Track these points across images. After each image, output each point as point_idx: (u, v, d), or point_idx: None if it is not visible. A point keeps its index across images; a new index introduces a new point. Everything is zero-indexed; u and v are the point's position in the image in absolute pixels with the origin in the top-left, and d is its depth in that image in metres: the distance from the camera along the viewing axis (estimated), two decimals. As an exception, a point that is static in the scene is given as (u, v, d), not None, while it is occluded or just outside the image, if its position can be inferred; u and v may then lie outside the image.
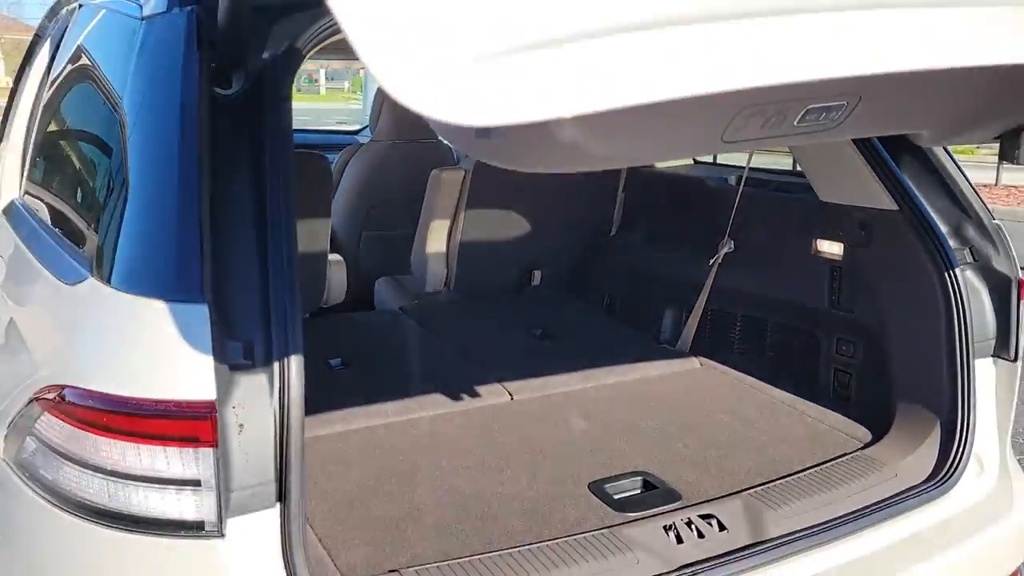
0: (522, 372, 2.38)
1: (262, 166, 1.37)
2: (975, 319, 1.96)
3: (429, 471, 1.88)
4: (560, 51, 0.76)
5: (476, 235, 2.96)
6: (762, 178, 2.70)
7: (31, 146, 2.26)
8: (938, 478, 1.89)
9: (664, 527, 1.66)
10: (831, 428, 2.15)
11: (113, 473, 1.21)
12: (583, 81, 0.76)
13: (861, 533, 1.72)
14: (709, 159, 3.28)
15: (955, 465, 1.91)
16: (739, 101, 1.14)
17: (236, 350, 1.23)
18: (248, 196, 1.35)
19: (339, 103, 27.43)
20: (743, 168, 2.67)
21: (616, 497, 1.80)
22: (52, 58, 2.94)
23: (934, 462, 1.94)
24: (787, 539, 1.66)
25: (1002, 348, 1.99)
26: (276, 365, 1.26)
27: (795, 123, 1.23)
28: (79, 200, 1.72)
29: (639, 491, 1.86)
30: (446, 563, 1.52)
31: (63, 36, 2.83)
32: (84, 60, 1.98)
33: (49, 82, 2.24)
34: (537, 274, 3.18)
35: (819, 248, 2.35)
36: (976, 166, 10.62)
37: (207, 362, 1.18)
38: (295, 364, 1.26)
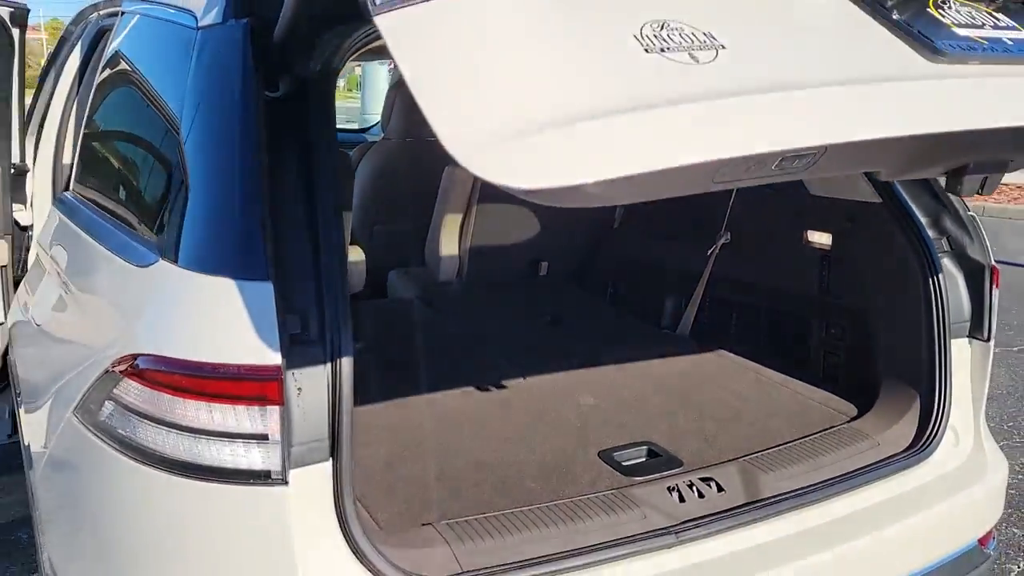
0: (533, 355, 2.56)
1: (310, 161, 1.54)
2: (952, 303, 2.14)
3: (452, 442, 2.05)
4: (579, 131, 0.95)
5: (487, 228, 3.14)
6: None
7: (78, 144, 2.42)
8: (917, 447, 2.07)
9: (668, 488, 1.84)
10: (820, 404, 2.33)
11: (189, 429, 1.38)
12: (599, 154, 0.94)
13: (846, 495, 1.91)
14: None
15: (933, 435, 2.09)
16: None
17: (294, 323, 1.41)
18: (299, 188, 1.52)
19: (337, 101, 27.59)
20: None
21: (624, 464, 1.98)
22: (86, 61, 3.11)
23: (914, 433, 2.12)
24: (778, 499, 1.84)
25: (976, 329, 2.17)
26: (328, 337, 1.43)
27: (772, 167, 1.41)
28: (141, 193, 1.89)
29: (644, 459, 2.04)
30: (473, 518, 1.69)
31: (97, 41, 3.00)
32: (133, 64, 2.15)
33: (93, 84, 2.40)
34: (544, 265, 3.37)
35: (810, 238, 2.53)
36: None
37: (273, 332, 1.36)
38: (344, 337, 1.44)
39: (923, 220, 2.19)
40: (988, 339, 2.18)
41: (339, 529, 1.45)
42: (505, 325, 2.85)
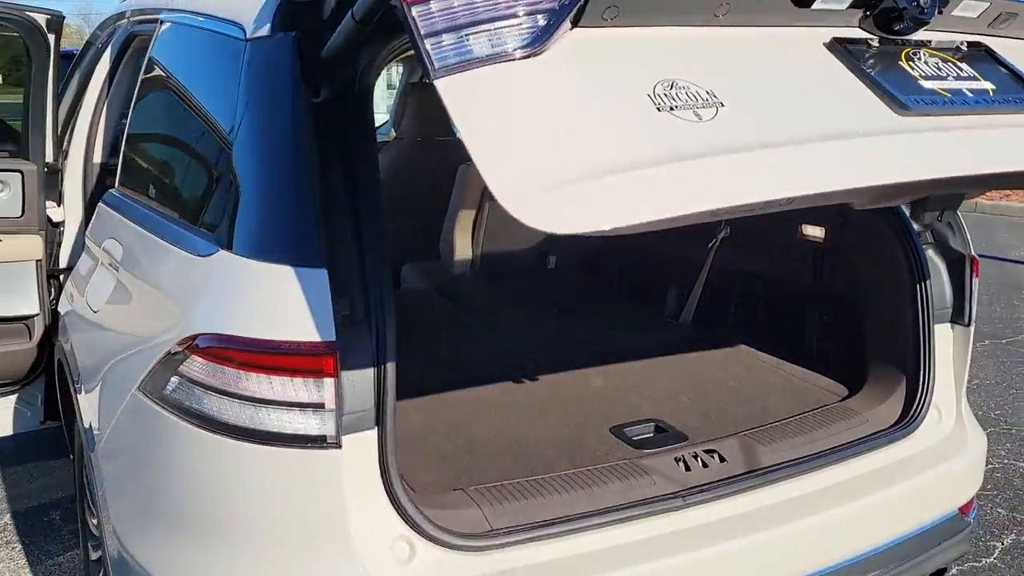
0: (546, 340, 2.74)
1: (353, 160, 1.71)
2: (935, 290, 2.32)
3: (474, 419, 2.23)
4: (603, 184, 1.14)
5: (498, 224, 3.31)
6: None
7: (121, 145, 2.58)
8: (903, 423, 2.25)
9: (674, 459, 2.01)
10: (813, 385, 2.51)
11: (253, 400, 1.56)
12: (618, 205, 1.14)
13: (837, 465, 2.08)
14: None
15: (917, 412, 2.27)
16: None
17: (344, 306, 1.58)
18: (343, 184, 1.69)
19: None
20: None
21: (634, 438, 2.16)
22: (115, 65, 3.27)
23: (900, 410, 2.30)
24: (775, 468, 2.01)
25: (958, 315, 2.35)
26: (373, 319, 1.61)
27: (760, 205, 1.59)
28: (195, 191, 2.06)
29: (652, 434, 2.22)
30: (499, 484, 1.87)
31: (126, 46, 3.16)
32: (178, 71, 2.32)
33: (135, 89, 2.55)
34: (552, 258, 3.54)
35: (804, 232, 2.71)
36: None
37: (328, 313, 1.53)
38: (388, 319, 1.61)
39: (908, 213, 2.37)
40: (969, 324, 2.35)
41: (383, 490, 1.62)
42: (517, 314, 3.03)
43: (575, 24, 1.30)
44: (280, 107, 1.73)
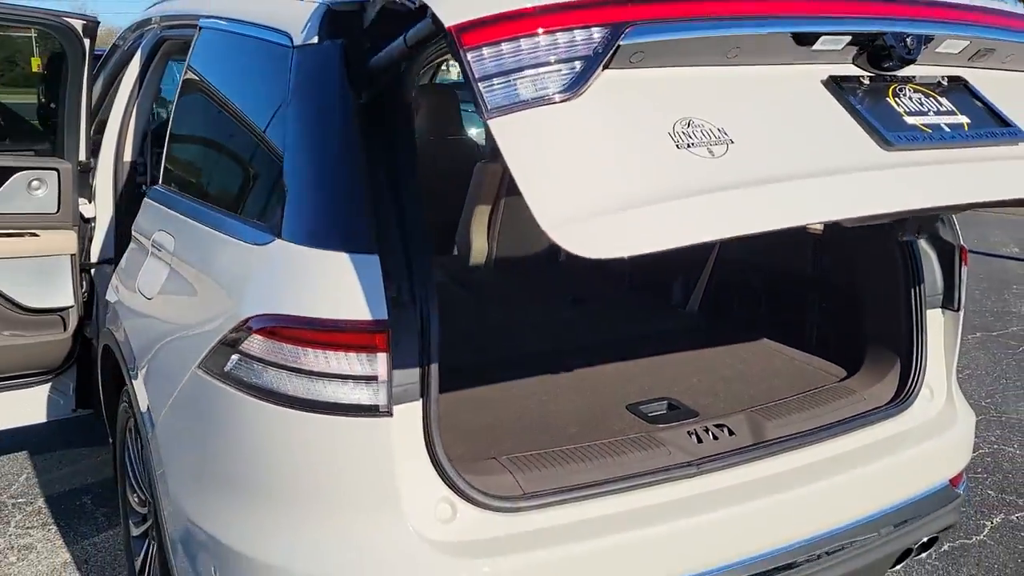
0: (561, 327, 2.91)
1: (395, 157, 1.88)
2: (927, 278, 2.49)
3: (500, 397, 2.39)
4: (629, 216, 1.34)
5: (513, 219, 3.47)
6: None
7: (164, 144, 2.74)
8: (897, 401, 2.42)
9: (687, 432, 2.18)
10: (814, 368, 2.68)
11: (311, 373, 1.72)
12: (643, 235, 1.35)
13: (836, 438, 2.25)
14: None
15: (911, 391, 2.44)
16: None
17: (393, 288, 1.74)
18: (387, 179, 1.86)
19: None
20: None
21: (649, 414, 2.33)
22: (145, 68, 3.43)
23: (895, 389, 2.47)
24: (780, 441, 2.18)
25: (948, 301, 2.53)
26: (418, 300, 1.77)
27: None
28: (248, 186, 2.22)
29: (665, 411, 2.39)
30: (528, 453, 2.04)
31: (155, 50, 3.32)
32: (222, 75, 2.48)
33: (176, 91, 2.71)
34: (563, 252, 3.70)
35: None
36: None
37: (380, 295, 1.70)
38: (431, 300, 1.78)
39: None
40: (958, 309, 2.53)
41: (428, 456, 1.79)
42: (533, 303, 3.19)
43: (605, 67, 1.49)
44: (330, 109, 1.89)
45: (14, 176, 3.28)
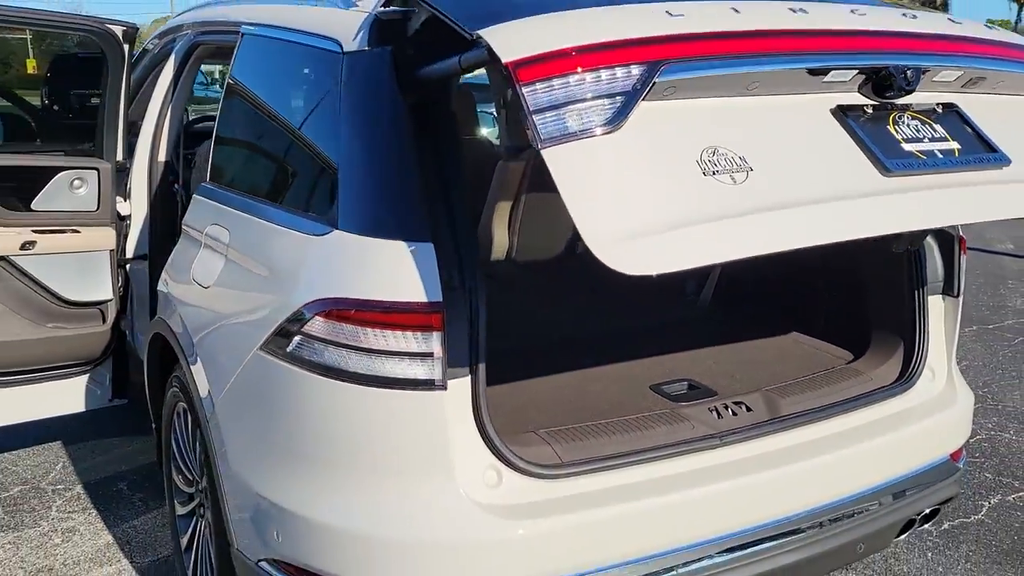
0: (582, 315, 3.07)
1: (442, 154, 2.05)
2: (928, 266, 2.66)
3: (532, 379, 2.56)
4: (665, 238, 1.55)
5: (533, 214, 3.63)
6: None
7: (211, 144, 2.90)
8: (901, 380, 2.60)
9: (708, 409, 2.36)
10: (823, 352, 2.86)
11: (372, 351, 1.89)
12: (677, 255, 1.55)
13: (845, 415, 2.43)
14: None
15: (914, 372, 2.61)
16: None
17: (445, 274, 1.91)
18: (436, 174, 2.02)
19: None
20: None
21: (671, 394, 2.50)
22: (179, 72, 3.59)
23: (899, 370, 2.64)
24: (794, 416, 2.36)
25: (948, 288, 2.70)
26: (467, 286, 1.94)
27: None
28: (303, 182, 2.38)
29: (686, 390, 2.56)
30: (564, 427, 2.21)
31: (189, 54, 3.47)
32: (270, 78, 2.65)
33: (222, 94, 2.87)
34: (580, 244, 3.86)
35: None
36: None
37: (436, 279, 1.87)
38: (479, 285, 1.95)
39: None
40: (957, 295, 2.70)
41: (476, 427, 1.96)
42: (555, 293, 3.35)
43: (642, 99, 1.68)
44: (382, 110, 2.06)
45: (58, 175, 3.45)
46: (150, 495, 3.82)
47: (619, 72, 1.64)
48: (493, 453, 1.97)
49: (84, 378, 3.72)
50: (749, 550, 2.17)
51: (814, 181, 1.77)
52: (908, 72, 1.92)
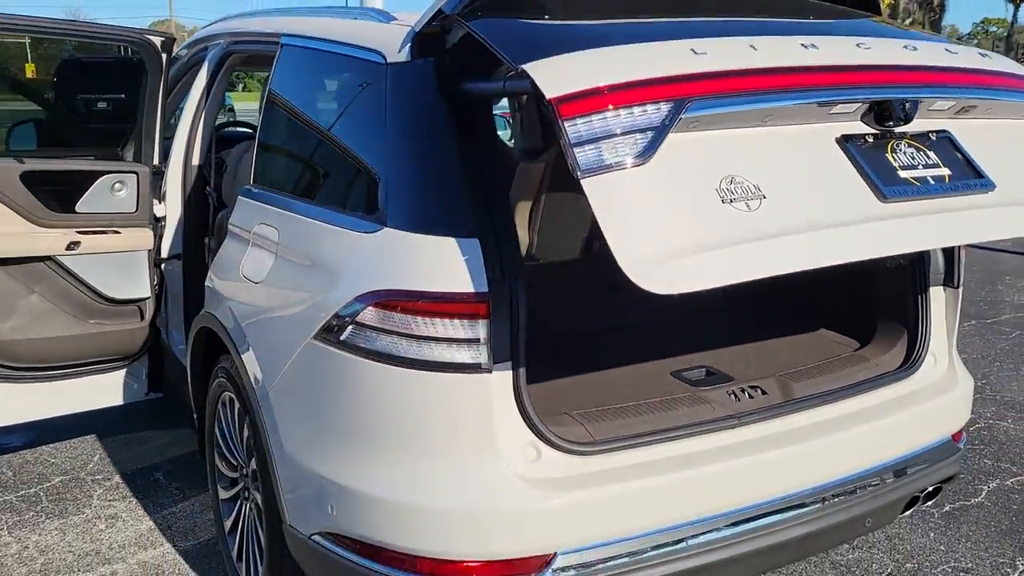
0: (602, 309, 3.25)
1: (482, 157, 2.22)
2: (930, 259, 2.84)
3: (561, 366, 2.72)
4: (691, 261, 1.75)
5: (552, 214, 3.81)
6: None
7: (254, 148, 3.07)
8: (905, 366, 2.77)
9: (726, 392, 2.53)
10: (832, 341, 3.03)
11: (422, 337, 2.06)
12: (700, 277, 1.75)
13: (853, 397, 2.60)
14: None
15: (917, 358, 2.79)
16: None
17: (489, 268, 2.09)
18: (477, 176, 2.20)
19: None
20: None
21: (691, 379, 2.68)
22: (212, 80, 3.76)
23: (903, 356, 2.82)
24: (805, 399, 2.53)
25: (949, 279, 2.87)
26: (508, 278, 2.11)
27: None
28: (351, 184, 2.54)
29: (705, 376, 2.73)
30: (594, 409, 2.38)
31: (222, 63, 3.65)
32: (312, 87, 2.82)
33: (263, 101, 3.04)
34: (596, 243, 4.04)
35: None
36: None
37: (481, 271, 2.04)
38: (518, 278, 2.12)
39: None
40: (957, 286, 2.88)
41: (517, 407, 2.13)
42: (575, 288, 3.53)
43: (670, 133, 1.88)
44: (426, 117, 2.24)
45: (100, 179, 3.63)
46: (186, 484, 4.00)
47: (650, 108, 1.83)
48: (532, 431, 2.14)
49: (122, 373, 3.89)
50: (766, 520, 2.34)
51: (818, 208, 1.98)
52: (907, 104, 2.12)
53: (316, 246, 2.44)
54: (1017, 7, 49.26)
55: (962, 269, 2.89)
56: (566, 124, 1.77)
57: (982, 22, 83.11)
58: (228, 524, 3.12)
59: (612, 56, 1.94)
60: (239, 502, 3.05)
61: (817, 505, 2.43)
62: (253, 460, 2.73)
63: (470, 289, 2.04)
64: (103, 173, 3.64)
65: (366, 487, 2.16)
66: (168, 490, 3.96)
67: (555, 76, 1.82)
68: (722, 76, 1.94)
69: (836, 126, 2.12)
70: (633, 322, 3.21)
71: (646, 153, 1.81)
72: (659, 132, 1.83)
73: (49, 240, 3.51)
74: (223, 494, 3.18)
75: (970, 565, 3.35)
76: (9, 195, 3.39)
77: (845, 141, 2.10)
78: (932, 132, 2.23)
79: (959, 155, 2.22)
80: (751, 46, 2.05)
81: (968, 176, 2.19)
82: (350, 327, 2.17)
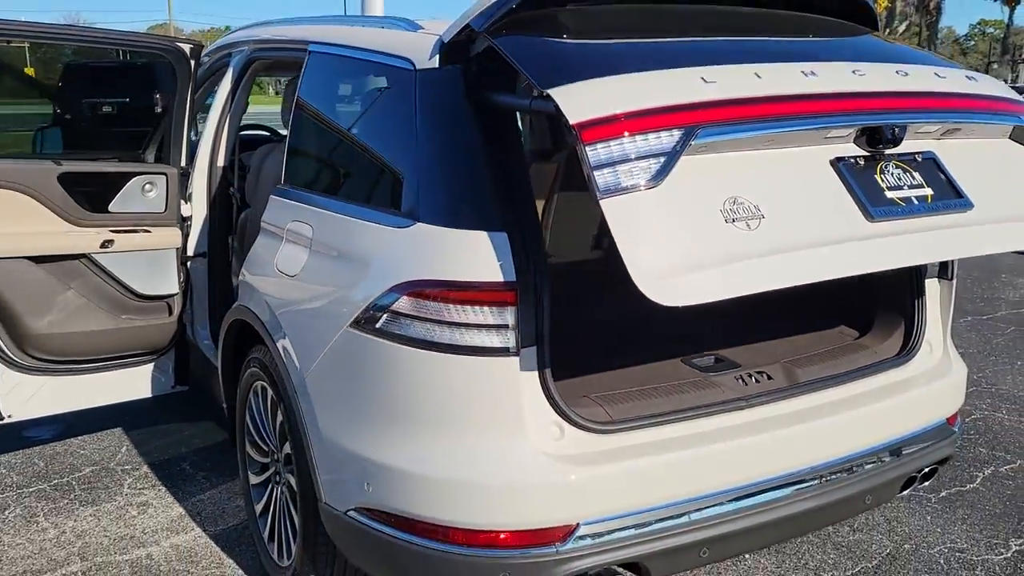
0: (612, 300, 3.40)
1: (508, 157, 2.38)
2: None
3: (578, 355, 2.88)
4: (694, 277, 1.95)
5: (564, 213, 3.97)
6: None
7: (284, 150, 3.24)
8: (902, 353, 2.94)
9: (734, 377, 2.70)
10: (833, 331, 3.20)
11: (454, 324, 2.23)
12: (704, 290, 1.95)
13: (854, 382, 2.77)
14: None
15: (913, 346, 2.95)
16: None
17: (516, 259, 2.25)
18: (503, 173, 2.36)
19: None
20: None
21: (700, 365, 2.84)
22: (236, 85, 3.92)
23: (900, 345, 2.98)
24: (809, 383, 2.69)
25: (943, 272, 3.04)
26: (533, 268, 2.28)
27: None
28: (383, 182, 2.70)
29: (713, 362, 2.90)
30: (611, 393, 2.55)
31: (246, 69, 3.80)
32: (341, 91, 2.99)
33: (292, 104, 3.20)
34: (606, 240, 4.20)
35: None
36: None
37: (510, 262, 2.21)
38: (543, 269, 2.28)
39: None
40: (951, 279, 3.04)
41: (541, 388, 2.30)
42: (587, 284, 3.69)
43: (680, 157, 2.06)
44: (455, 120, 2.41)
45: (132, 180, 3.79)
46: (212, 473, 4.17)
47: (663, 135, 2.02)
48: (556, 411, 2.31)
49: (150, 366, 4.06)
50: (773, 495, 2.51)
51: (811, 228, 2.16)
52: (896, 129, 2.30)
53: (350, 241, 2.61)
54: (1012, 9, 49.52)
55: (955, 263, 3.05)
56: (587, 149, 1.95)
57: (979, 23, 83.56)
58: (259, 508, 3.28)
59: (629, 84, 2.12)
60: (270, 486, 3.21)
61: (820, 482, 2.59)
62: (287, 444, 2.89)
63: (500, 278, 2.21)
64: (135, 175, 3.80)
65: (402, 464, 2.33)
66: (195, 479, 4.12)
67: (578, 102, 2.00)
68: (729, 104, 2.13)
69: (830, 148, 2.31)
70: (644, 315, 3.36)
71: (659, 176, 2.00)
72: (671, 157, 2.01)
73: (85, 239, 3.68)
74: (254, 479, 3.33)
75: (965, 545, 3.51)
76: (48, 196, 3.56)
77: (838, 162, 2.29)
78: (918, 154, 2.42)
79: (942, 175, 2.41)
80: (756, 74, 2.23)
81: (949, 196, 2.38)
82: (385, 315, 2.33)
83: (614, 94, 2.06)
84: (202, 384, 4.21)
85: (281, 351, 2.78)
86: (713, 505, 2.42)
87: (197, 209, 4.09)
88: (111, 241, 3.74)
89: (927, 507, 3.83)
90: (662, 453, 2.38)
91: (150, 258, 3.93)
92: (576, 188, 4.02)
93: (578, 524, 2.27)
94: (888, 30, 41.45)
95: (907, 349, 2.95)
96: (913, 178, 2.35)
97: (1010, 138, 2.62)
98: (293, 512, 2.93)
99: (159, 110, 4.39)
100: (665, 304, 1.89)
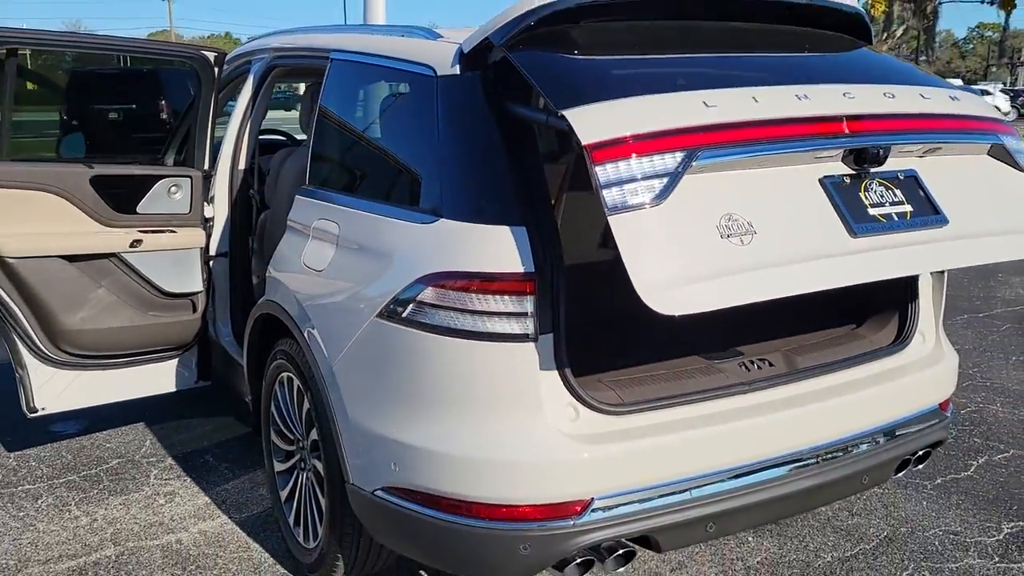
0: (618, 296, 3.56)
1: (525, 158, 2.55)
2: None
3: (588, 342, 3.04)
4: (693, 289, 2.13)
5: (572, 211, 4.13)
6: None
7: (308, 153, 3.40)
8: (897, 342, 3.10)
9: (737, 364, 2.86)
10: (831, 322, 3.35)
11: (477, 312, 2.39)
12: (701, 301, 2.12)
13: (851, 369, 2.93)
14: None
15: (907, 335, 3.11)
16: None
17: (534, 251, 2.42)
18: (521, 172, 2.52)
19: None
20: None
21: (705, 353, 3.00)
22: (258, 89, 4.09)
23: (895, 334, 3.14)
24: (808, 369, 2.86)
25: None
26: (550, 261, 2.44)
27: None
28: (407, 182, 2.86)
29: (718, 350, 3.06)
30: (622, 377, 2.71)
31: (266, 75, 3.97)
32: (363, 97, 3.15)
33: (315, 109, 3.36)
34: (611, 239, 4.36)
35: None
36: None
37: (529, 255, 2.37)
38: (559, 261, 2.45)
39: None
40: (942, 272, 3.20)
41: (558, 372, 2.46)
42: (596, 279, 3.85)
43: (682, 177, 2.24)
44: (476, 123, 2.57)
45: (159, 182, 3.96)
46: (235, 464, 4.33)
47: (667, 157, 2.19)
48: (572, 394, 2.47)
49: (175, 362, 4.22)
50: (774, 473, 2.67)
51: (799, 243, 2.34)
52: (880, 150, 2.48)
53: (376, 236, 2.77)
54: (1008, 13, 49.77)
55: (946, 258, 3.21)
56: (597, 168, 2.12)
57: (978, 27, 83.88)
58: (284, 494, 3.44)
59: (637, 107, 2.29)
60: (295, 472, 3.37)
61: (818, 461, 2.75)
62: (313, 431, 3.05)
63: (519, 269, 2.37)
64: (161, 177, 3.97)
65: (428, 444, 2.49)
66: (219, 470, 4.28)
67: (590, 124, 2.17)
68: (729, 128, 2.30)
69: (819, 167, 2.48)
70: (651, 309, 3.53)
71: (662, 196, 2.17)
72: (674, 177, 2.19)
73: (116, 238, 3.84)
74: (279, 467, 3.49)
75: (959, 529, 3.67)
76: (80, 198, 3.72)
77: (826, 180, 2.46)
78: (901, 172, 2.59)
79: (921, 193, 2.59)
80: (754, 98, 2.40)
81: (927, 212, 2.55)
82: (411, 305, 2.50)
83: (623, 117, 2.23)
84: (223, 380, 4.37)
85: (309, 342, 2.95)
86: (718, 482, 2.58)
87: (219, 210, 4.25)
88: (140, 241, 3.91)
89: (923, 493, 3.99)
90: (670, 434, 2.54)
91: (175, 257, 4.09)
92: (583, 188, 4.19)
93: (593, 499, 2.43)
94: (886, 34, 41.66)
95: (901, 338, 3.11)
96: (895, 195, 2.53)
97: (988, 155, 2.79)
98: (320, 496, 3.09)
99: (164, 116, 4.55)
100: (664, 313, 2.06)
